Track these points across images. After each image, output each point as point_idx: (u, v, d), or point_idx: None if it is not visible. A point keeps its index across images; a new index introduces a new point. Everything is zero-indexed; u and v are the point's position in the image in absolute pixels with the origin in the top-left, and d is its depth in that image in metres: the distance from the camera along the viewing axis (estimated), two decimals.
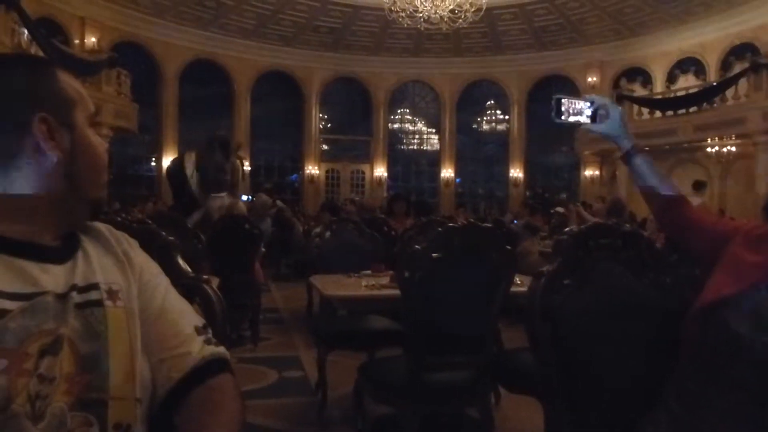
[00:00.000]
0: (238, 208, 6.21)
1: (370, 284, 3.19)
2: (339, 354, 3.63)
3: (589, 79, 17.46)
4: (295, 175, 19.62)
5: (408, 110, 20.35)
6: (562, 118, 1.56)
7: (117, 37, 15.12)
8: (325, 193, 18.83)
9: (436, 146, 20.14)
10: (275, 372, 4.17)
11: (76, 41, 14.21)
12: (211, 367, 0.92)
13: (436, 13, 11.35)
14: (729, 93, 12.83)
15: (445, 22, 11.94)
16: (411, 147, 20.59)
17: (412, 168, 20.48)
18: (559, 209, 11.41)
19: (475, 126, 20.32)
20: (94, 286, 0.86)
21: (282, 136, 19.20)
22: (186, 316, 0.96)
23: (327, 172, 19.38)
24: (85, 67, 12.55)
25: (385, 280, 3.23)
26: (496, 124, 20.06)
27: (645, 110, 15.04)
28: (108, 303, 0.86)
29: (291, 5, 15.18)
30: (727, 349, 1.23)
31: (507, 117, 19.47)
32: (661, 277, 1.56)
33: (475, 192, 20.43)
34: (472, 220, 8.42)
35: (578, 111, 1.58)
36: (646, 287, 1.53)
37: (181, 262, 1.20)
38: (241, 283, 4.87)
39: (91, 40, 14.37)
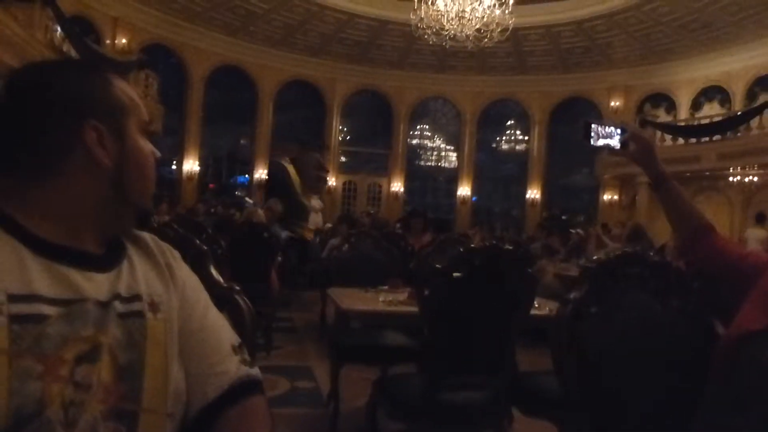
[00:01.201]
0: (257, 216, 6.25)
1: (388, 300, 3.19)
2: (351, 367, 3.62)
3: (613, 103, 17.39)
4: None
5: (428, 126, 20.39)
6: (592, 141, 1.59)
7: (147, 39, 15.36)
8: (341, 205, 18.88)
9: (455, 163, 20.13)
10: (287, 381, 4.17)
11: (107, 41, 14.43)
12: (246, 388, 0.92)
13: (462, 31, 11.37)
14: (753, 123, 12.71)
15: (471, 40, 11.97)
16: (429, 163, 20.60)
17: (429, 184, 20.47)
18: (578, 231, 11.35)
19: (494, 145, 20.30)
20: (137, 297, 0.86)
21: (305, 145, 19.30)
22: (224, 333, 0.96)
23: (344, 183, 19.43)
24: (115, 67, 12.69)
25: (403, 297, 3.23)
26: (515, 144, 20.02)
27: (668, 136, 14.95)
28: (149, 315, 0.86)
29: (318, 17, 15.33)
30: (756, 382, 1.22)
31: (527, 137, 19.42)
32: (688, 306, 1.56)
33: (492, 211, 20.36)
34: (489, 239, 8.39)
35: (608, 135, 1.61)
36: (673, 317, 1.53)
37: (213, 271, 1.21)
38: (257, 291, 4.90)
39: (122, 41, 14.61)
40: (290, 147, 6.78)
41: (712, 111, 15.29)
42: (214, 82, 17.11)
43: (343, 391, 3.46)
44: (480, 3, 11.45)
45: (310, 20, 15.46)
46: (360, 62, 17.90)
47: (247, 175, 18.61)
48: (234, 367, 0.92)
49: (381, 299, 3.18)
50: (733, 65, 14.82)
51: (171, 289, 0.91)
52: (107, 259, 0.86)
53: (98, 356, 0.78)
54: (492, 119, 19.64)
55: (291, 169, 6.43)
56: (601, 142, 1.60)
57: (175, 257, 0.97)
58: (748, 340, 1.25)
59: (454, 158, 20.22)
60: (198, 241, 1.24)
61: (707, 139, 13.73)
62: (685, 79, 16.10)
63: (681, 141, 14.60)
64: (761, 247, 8.79)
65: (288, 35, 16.39)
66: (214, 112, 17.26)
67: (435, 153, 20.61)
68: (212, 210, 11.54)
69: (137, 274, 0.88)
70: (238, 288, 1.20)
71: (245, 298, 1.18)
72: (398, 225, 9.06)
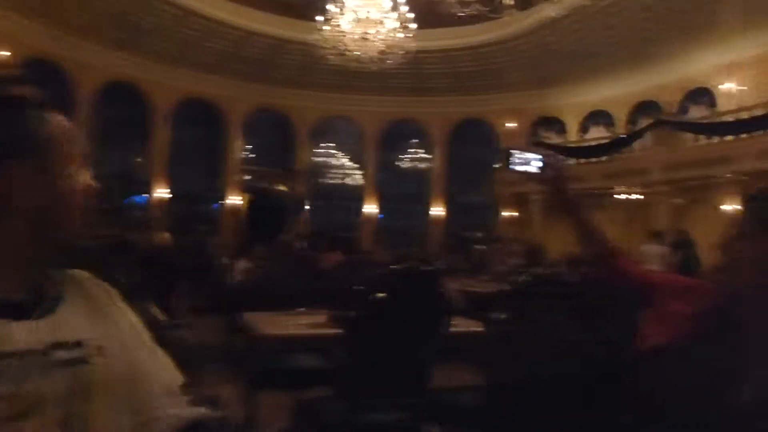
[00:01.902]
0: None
1: (308, 323, 3.17)
2: (263, 393, 3.54)
3: (508, 125, 18.23)
4: (216, 204, 19.21)
5: (333, 144, 20.46)
6: (511, 167, 1.69)
7: (29, 53, 14.38)
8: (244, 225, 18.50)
9: (360, 182, 20.30)
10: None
11: None
12: (198, 429, 0.90)
13: (366, 53, 11.58)
14: (636, 145, 13.76)
15: (374, 62, 12.21)
16: (335, 181, 20.65)
17: (334, 203, 20.50)
18: (481, 247, 11.77)
19: (397, 163, 20.66)
20: (78, 343, 0.82)
21: (203, 165, 18.81)
22: (170, 373, 0.94)
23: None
24: None
25: (322, 319, 3.22)
26: (418, 163, 20.49)
27: (561, 156, 15.84)
28: (94, 360, 0.82)
29: (216, 34, 15.06)
30: (660, 395, 1.32)
31: (429, 156, 19.94)
32: (600, 323, 1.67)
33: (396, 229, 20.65)
34: (396, 257, 8.44)
35: (527, 161, 1.70)
36: (586, 333, 1.63)
37: (153, 308, 1.17)
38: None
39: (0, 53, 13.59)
40: (268, 172, 6.51)
41: (598, 134, 16.40)
42: (104, 99, 16.26)
43: (260, 417, 3.38)
44: (383, 26, 11.72)
45: (208, 37, 15.17)
46: (260, 80, 17.71)
47: (145, 195, 17.82)
48: (183, 408, 0.90)
49: (300, 323, 3.15)
50: (615, 91, 15.98)
51: (113, 331, 0.88)
52: (38, 305, 0.81)
53: (42, 410, 0.75)
54: (395, 139, 20.01)
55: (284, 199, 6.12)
56: (519, 168, 1.70)
57: (113, 296, 0.94)
58: (651, 354, 1.35)
59: (359, 177, 20.39)
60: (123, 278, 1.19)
61: (594, 159, 14.69)
62: (573, 103, 17.18)
63: (571, 162, 15.53)
64: (658, 261, 9.48)
65: (184, 52, 15.96)
66: (105, 129, 16.36)
67: (340, 171, 20.69)
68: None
69: (75, 317, 0.84)
70: (180, 322, 1.17)
71: (187, 332, 1.15)
72: (303, 245, 8.99)
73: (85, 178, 0.88)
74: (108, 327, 0.88)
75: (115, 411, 0.83)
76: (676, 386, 1.28)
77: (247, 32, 14.95)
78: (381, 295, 2.50)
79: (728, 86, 13.35)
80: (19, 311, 0.78)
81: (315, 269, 5.26)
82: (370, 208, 19.77)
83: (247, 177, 18.82)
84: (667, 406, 1.30)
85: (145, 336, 0.95)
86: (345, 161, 20.66)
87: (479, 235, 18.94)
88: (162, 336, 1.11)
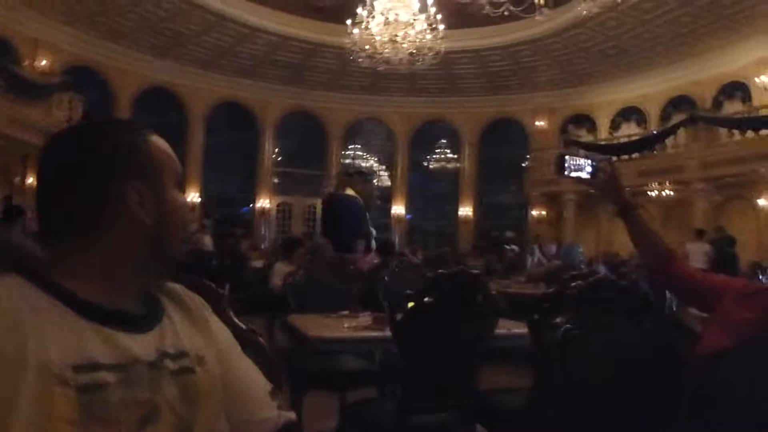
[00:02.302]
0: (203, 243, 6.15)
1: (352, 325, 3.23)
2: (309, 394, 3.63)
3: (538, 123, 18.14)
4: (246, 208, 19.44)
5: (361, 146, 20.56)
6: (565, 173, 1.70)
7: (71, 61, 14.81)
8: (276, 227, 18.72)
9: (388, 183, 20.36)
10: None
11: (26, 62, 13.80)
12: None
13: (396, 55, 11.62)
14: (669, 142, 13.57)
15: (404, 64, 12.24)
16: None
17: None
18: (513, 248, 11.74)
19: (426, 164, 20.68)
20: (184, 353, 0.87)
21: (235, 167, 19.07)
22: (260, 380, 0.99)
23: (278, 205, 19.27)
24: (37, 91, 12.24)
25: (367, 322, 3.28)
26: (447, 163, 20.48)
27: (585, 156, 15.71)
28: (197, 369, 0.87)
29: (250, 40, 15.28)
30: (722, 400, 1.34)
31: (458, 156, 19.91)
32: (658, 327, 1.70)
33: (426, 229, 20.67)
34: (428, 257, 8.44)
35: (579, 167, 1.72)
36: (645, 337, 1.66)
37: (232, 315, 1.23)
38: None
39: (42, 62, 14.01)
40: (353, 179, 6.51)
41: (629, 131, 16.22)
42: (142, 104, 16.66)
43: (305, 418, 3.46)
44: (412, 28, 11.75)
45: (242, 42, 15.39)
46: (293, 84, 17.92)
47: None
48: (274, 414, 0.96)
49: (345, 325, 3.21)
50: (648, 88, 15.80)
51: (210, 341, 0.93)
52: (149, 317, 0.87)
53: (159, 417, 0.80)
54: (424, 139, 20.02)
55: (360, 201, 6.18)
56: (573, 174, 1.71)
57: (207, 307, 0.99)
58: (714, 359, 1.37)
59: (387, 178, 20.46)
60: (215, 287, 1.25)
61: (627, 157, 14.52)
62: (605, 100, 17.01)
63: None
64: (703, 259, 9.38)
65: (219, 57, 16.23)
66: None
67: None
68: None
69: (178, 329, 0.90)
70: (257, 331, 1.23)
71: (263, 341, 1.21)
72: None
73: (184, 198, 0.96)
74: (205, 337, 0.93)
75: (216, 418, 0.88)
76: (737, 390, 1.31)
77: (280, 36, 15.12)
78: (428, 299, 2.55)
79: (764, 80, 13.10)
80: (132, 322, 0.84)
81: (355, 271, 5.33)
82: (399, 208, 19.82)
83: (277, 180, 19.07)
84: (728, 409, 1.33)
85: (235, 344, 1.00)
86: (373, 162, 20.74)
87: (510, 235, 18.90)
88: (245, 343, 1.17)
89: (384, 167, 20.61)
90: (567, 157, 1.70)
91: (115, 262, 0.84)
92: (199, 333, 0.93)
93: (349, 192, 5.93)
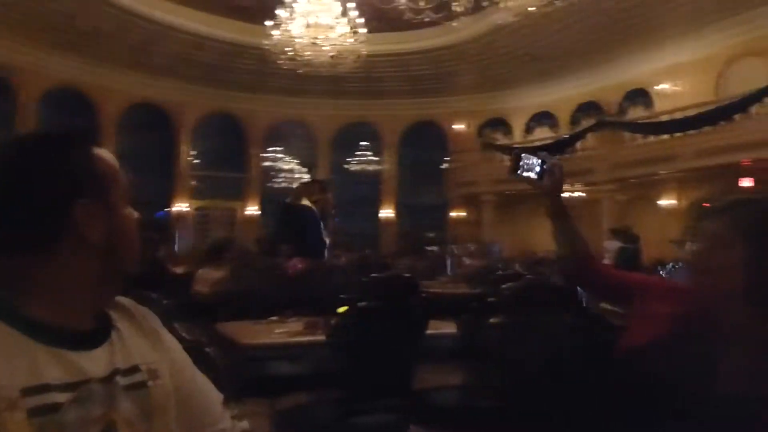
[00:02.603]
0: None
1: (284, 331, 3.23)
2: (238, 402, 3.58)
3: (457, 127, 18.59)
4: (162, 212, 18.77)
5: (282, 148, 20.32)
6: (518, 172, 1.61)
7: None
8: (194, 232, 18.21)
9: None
10: None
11: None
12: None
13: (317, 57, 11.61)
14: (578, 145, 14.27)
15: (325, 67, 12.25)
16: (284, 185, 20.50)
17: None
18: (434, 249, 11.97)
19: (348, 166, 20.70)
20: (136, 368, 0.87)
21: (150, 170, 18.37)
22: (213, 391, 1.00)
23: (197, 209, 18.76)
24: None
25: (298, 326, 3.29)
26: (369, 165, 20.58)
27: (506, 157, 16.30)
28: (150, 383, 0.87)
29: (166, 38, 14.79)
30: (645, 393, 1.44)
31: (380, 159, 20.06)
32: (585, 322, 1.82)
33: (349, 231, 20.67)
34: (355, 260, 8.46)
35: (531, 167, 1.62)
36: (575, 333, 1.78)
37: (178, 327, 1.22)
38: None
39: None
40: (310, 188, 6.30)
41: (542, 134, 16.92)
42: (48, 104, 15.75)
43: None
44: (333, 31, 11.77)
45: (157, 41, 14.88)
46: (212, 85, 17.49)
47: None
48: (229, 424, 0.97)
49: (276, 331, 3.21)
50: (559, 94, 16.54)
51: (161, 353, 0.93)
52: (98, 333, 0.86)
53: None
54: (346, 142, 20.03)
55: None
56: (525, 174, 1.62)
57: (156, 320, 0.98)
58: (635, 353, 1.48)
59: (309, 180, 20.29)
60: (162, 299, 1.24)
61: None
62: (519, 105, 17.66)
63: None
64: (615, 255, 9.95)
65: (132, 56, 15.60)
66: None
67: (289, 175, 20.57)
68: None
69: (129, 343, 0.89)
70: (205, 341, 1.23)
71: (214, 350, 1.21)
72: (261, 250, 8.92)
73: (133, 212, 0.93)
74: (157, 349, 0.93)
75: (171, 431, 0.89)
76: (659, 382, 1.41)
77: (197, 36, 14.72)
78: (363, 303, 2.60)
79: (664, 87, 14.04)
80: (82, 340, 0.83)
81: (283, 277, 5.30)
82: None
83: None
84: (652, 400, 1.43)
85: (186, 356, 0.99)
86: (294, 165, 20.54)
87: (431, 236, 19.25)
88: (193, 355, 1.17)
89: (306, 170, 20.46)
90: (523, 155, 1.62)
91: (67, 281, 0.83)
92: (150, 346, 0.92)
93: (305, 202, 5.90)
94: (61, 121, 15.85)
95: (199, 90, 17.54)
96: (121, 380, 0.84)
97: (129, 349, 0.88)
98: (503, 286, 1.86)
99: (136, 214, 0.94)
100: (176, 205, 18.18)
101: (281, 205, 7.51)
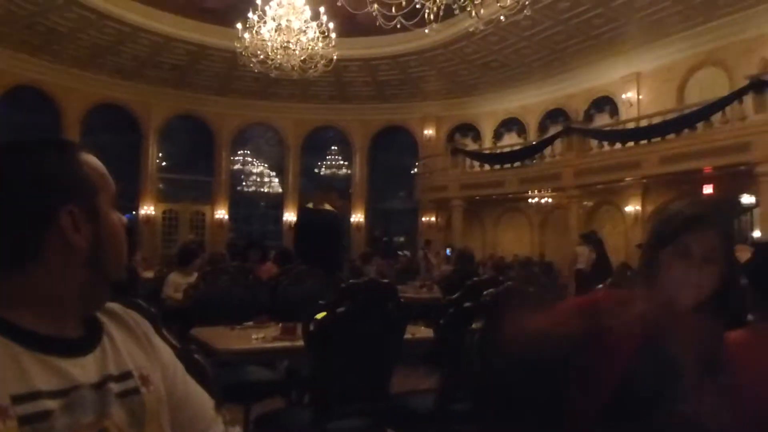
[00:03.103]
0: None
1: (260, 336, 3.21)
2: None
3: (426, 132, 18.72)
4: (128, 215, 18.45)
5: (250, 151, 20.19)
6: None
7: None
8: (161, 235, 17.95)
9: (278, 189, 20.15)
10: None
11: None
12: None
13: (288, 62, 11.56)
14: (546, 151, 14.50)
15: (296, 71, 12.21)
16: (253, 189, 20.39)
17: (253, 210, 20.24)
18: (405, 253, 12.03)
19: (317, 170, 20.67)
20: (128, 374, 0.87)
21: (116, 172, 18.02)
22: (204, 396, 1.00)
23: (164, 212, 18.49)
24: None
25: (275, 331, 3.27)
26: (338, 170, 20.59)
27: (476, 163, 16.49)
28: (143, 389, 0.87)
29: (132, 39, 14.55)
30: (621, 403, 1.47)
31: (349, 163, 20.08)
32: None
33: None
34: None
35: None
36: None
37: (167, 333, 1.21)
38: None
39: None
40: (330, 195, 6.26)
41: (511, 140, 17.15)
42: (9, 103, 15.35)
43: None
44: (304, 35, 11.74)
45: (123, 42, 14.63)
46: (179, 87, 17.28)
47: None
48: (221, 429, 0.98)
49: (254, 336, 3.20)
50: (527, 100, 16.81)
51: (154, 360, 0.93)
52: (89, 339, 0.86)
53: None
54: (315, 145, 20.00)
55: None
56: None
57: (148, 326, 0.98)
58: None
59: (277, 183, 20.24)
60: (148, 306, 1.23)
61: (509, 165, 15.34)
62: (488, 111, 17.87)
63: (487, 167, 16.19)
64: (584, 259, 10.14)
65: (97, 56, 15.32)
66: (7, 136, 15.45)
67: (258, 178, 20.46)
68: None
69: (120, 349, 0.89)
70: (195, 347, 1.23)
71: (203, 357, 1.21)
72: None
73: (120, 217, 0.93)
74: (148, 355, 0.93)
75: None
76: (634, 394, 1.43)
77: (164, 37, 14.51)
78: (341, 309, 2.61)
79: (629, 96, 14.38)
80: (72, 347, 0.83)
81: (255, 281, 5.27)
82: (291, 215, 19.65)
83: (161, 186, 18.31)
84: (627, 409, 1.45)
85: (177, 361, 1.00)
86: (263, 168, 20.44)
87: (400, 240, 19.35)
88: (183, 361, 1.17)
89: (274, 173, 20.36)
90: None
91: (54, 288, 0.82)
92: (142, 352, 0.92)
93: (328, 207, 5.86)
94: (23, 120, 15.50)
95: (166, 91, 17.33)
96: (114, 387, 0.84)
97: (121, 356, 0.88)
98: (485, 292, 1.89)
99: (124, 220, 0.94)
100: (143, 208, 17.88)
101: (304, 210, 7.52)
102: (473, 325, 1.72)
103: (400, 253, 11.57)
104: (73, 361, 0.81)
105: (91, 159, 0.90)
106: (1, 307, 0.79)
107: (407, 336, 3.30)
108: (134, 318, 0.97)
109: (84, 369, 0.82)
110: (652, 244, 1.43)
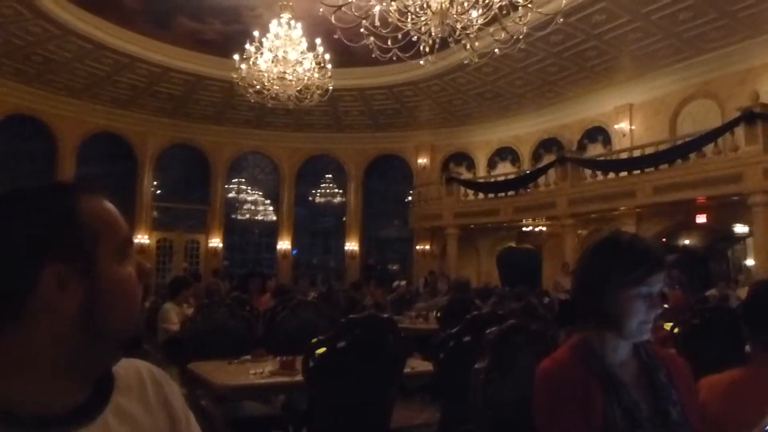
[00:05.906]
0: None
1: (258, 371, 3.18)
2: None
3: (420, 161, 18.84)
4: None
5: (245, 180, 20.23)
6: None
7: None
8: (156, 264, 17.85)
9: (273, 217, 20.15)
10: None
11: None
12: None
13: (284, 92, 11.66)
14: (540, 181, 14.59)
15: (292, 101, 12.31)
16: (248, 217, 20.37)
17: (247, 238, 20.20)
18: (401, 283, 11.99)
19: (312, 198, 20.70)
20: None
21: (112, 201, 17.98)
22: None
23: (158, 241, 18.42)
24: None
25: (274, 366, 3.24)
26: (333, 198, 20.64)
27: (470, 191, 16.56)
28: None
29: (129, 69, 14.66)
30: None
31: (344, 191, 20.14)
32: None
33: (311, 263, 20.59)
34: (318, 293, 8.40)
35: None
36: None
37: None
38: None
39: None
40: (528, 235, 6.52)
41: (505, 169, 17.26)
42: (5, 131, 15.35)
43: None
44: (301, 66, 11.87)
45: (120, 71, 14.74)
46: (175, 116, 17.38)
47: None
48: None
49: (252, 372, 3.16)
50: (521, 130, 16.98)
51: (169, 419, 0.87)
52: (90, 407, 0.78)
53: None
54: (310, 174, 20.08)
55: None
56: None
57: (172, 389, 0.91)
58: None
59: (272, 212, 20.24)
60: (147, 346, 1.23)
61: (503, 194, 15.41)
62: (482, 140, 18.03)
63: (481, 195, 16.26)
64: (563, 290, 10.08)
65: (94, 86, 15.41)
66: (4, 165, 15.42)
67: (253, 207, 20.47)
68: None
69: (127, 419, 0.81)
70: (200, 392, 1.22)
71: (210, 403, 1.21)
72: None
73: (129, 269, 0.82)
74: (163, 425, 0.87)
75: None
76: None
77: (161, 67, 14.63)
78: (341, 343, 2.60)
79: (621, 126, 14.54)
80: (65, 419, 0.75)
81: (253, 313, 5.24)
82: (285, 243, 19.63)
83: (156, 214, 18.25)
84: None
85: (188, 410, 0.93)
86: (258, 197, 20.45)
87: (395, 268, 19.29)
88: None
89: (269, 201, 20.37)
90: None
91: (37, 355, 0.74)
92: (152, 420, 0.85)
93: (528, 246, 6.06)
94: (18, 149, 15.51)
95: (162, 121, 17.43)
96: None
97: (126, 426, 0.80)
98: (487, 331, 1.89)
99: (146, 266, 0.86)
100: (137, 236, 17.80)
101: (509, 248, 7.59)
102: (476, 365, 1.72)
103: (394, 283, 11.51)
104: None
105: (95, 204, 0.81)
106: None
107: (406, 369, 3.28)
108: (157, 380, 0.90)
109: None
110: (603, 281, 1.37)
